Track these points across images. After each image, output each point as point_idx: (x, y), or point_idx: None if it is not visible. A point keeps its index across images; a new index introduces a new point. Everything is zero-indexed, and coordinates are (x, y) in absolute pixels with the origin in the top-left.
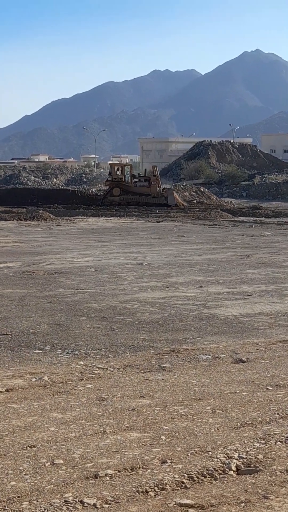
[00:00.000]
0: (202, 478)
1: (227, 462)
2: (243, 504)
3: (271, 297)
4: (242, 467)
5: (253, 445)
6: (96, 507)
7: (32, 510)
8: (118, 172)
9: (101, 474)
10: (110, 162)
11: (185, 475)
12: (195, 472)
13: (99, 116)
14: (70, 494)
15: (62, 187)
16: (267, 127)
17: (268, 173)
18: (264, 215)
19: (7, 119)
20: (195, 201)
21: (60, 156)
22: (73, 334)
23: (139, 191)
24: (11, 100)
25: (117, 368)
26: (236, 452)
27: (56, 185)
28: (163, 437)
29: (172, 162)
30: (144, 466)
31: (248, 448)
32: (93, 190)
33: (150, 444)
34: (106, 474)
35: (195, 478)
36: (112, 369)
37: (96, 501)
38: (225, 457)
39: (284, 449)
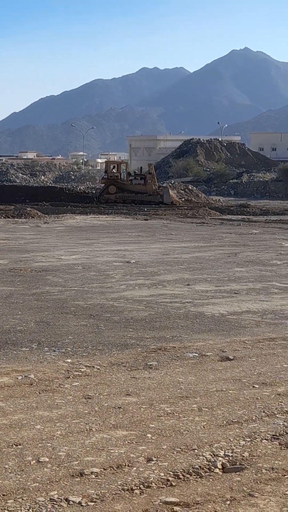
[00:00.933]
0: (188, 476)
1: (213, 460)
2: (228, 502)
3: (258, 295)
4: (228, 465)
5: (239, 443)
6: (82, 505)
7: (17, 508)
8: (113, 170)
9: (86, 472)
10: (106, 160)
11: (171, 473)
12: (181, 470)
13: (87, 114)
14: (56, 492)
15: (50, 185)
16: (256, 125)
17: (256, 171)
18: (252, 213)
19: None
20: (183, 199)
21: (49, 153)
22: (60, 332)
23: (135, 189)
24: None
25: (104, 366)
26: (222, 450)
27: (44, 182)
28: (149, 435)
29: (160, 160)
30: (129, 464)
31: (234, 446)
32: (81, 188)
33: (136, 442)
34: (92, 472)
35: (181, 476)
36: (98, 367)
37: (82, 499)
38: (211, 455)
39: (270, 447)
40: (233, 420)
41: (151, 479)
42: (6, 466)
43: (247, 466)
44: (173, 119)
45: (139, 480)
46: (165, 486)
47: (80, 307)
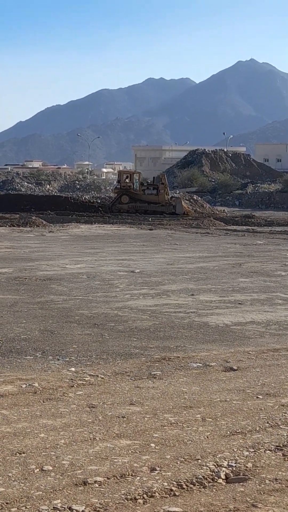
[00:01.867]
0: (191, 486)
1: (216, 470)
2: None
3: (263, 306)
4: (231, 475)
5: (243, 454)
6: None
7: None
8: (126, 180)
9: (90, 481)
10: (119, 169)
11: (174, 482)
12: (184, 480)
13: (93, 123)
14: (59, 500)
15: (55, 194)
16: (261, 136)
17: (261, 182)
18: (257, 224)
19: (1, 125)
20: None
21: (54, 162)
22: (64, 341)
23: (148, 199)
24: (6, 106)
25: (108, 375)
26: (226, 460)
27: (49, 191)
28: (152, 445)
29: (165, 170)
30: (133, 474)
31: (238, 456)
32: (86, 197)
33: (139, 452)
34: (95, 481)
35: (184, 486)
36: (102, 376)
37: (85, 508)
38: (215, 465)
39: (273, 457)
40: (237, 431)
41: (155, 489)
42: (10, 474)
43: (251, 477)
44: (179, 130)
45: (143, 490)
46: (168, 496)
47: (85, 316)
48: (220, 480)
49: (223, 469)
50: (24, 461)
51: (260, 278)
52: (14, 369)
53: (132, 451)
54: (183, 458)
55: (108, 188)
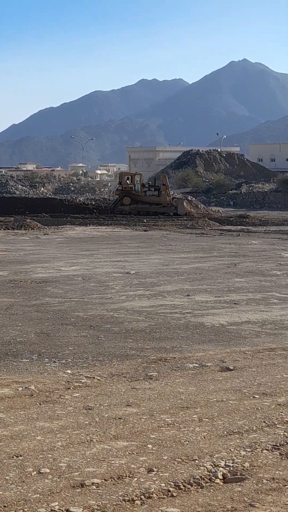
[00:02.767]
0: (189, 486)
1: (214, 471)
2: None
3: (258, 306)
4: (229, 475)
5: (240, 453)
6: None
7: None
8: (128, 181)
9: (87, 483)
10: (121, 171)
11: (172, 483)
12: (182, 481)
13: (86, 125)
14: (56, 503)
15: (50, 196)
16: (254, 136)
17: (255, 182)
18: (251, 224)
19: None
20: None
21: (48, 165)
22: (60, 343)
23: (149, 200)
24: None
25: (104, 377)
26: (223, 460)
27: (44, 194)
28: (149, 446)
29: (159, 171)
30: (130, 475)
31: (235, 456)
32: (81, 199)
33: (136, 453)
34: (93, 483)
35: (182, 487)
36: (99, 378)
37: (82, 510)
38: (212, 466)
39: (271, 457)
40: (234, 431)
41: (152, 490)
42: (7, 478)
43: (248, 477)
44: (172, 130)
45: (140, 491)
46: (166, 496)
47: (80, 318)
48: (217, 480)
49: (221, 469)
50: (21, 464)
51: (255, 278)
52: (10, 372)
53: (129, 453)
54: (180, 458)
55: (102, 189)
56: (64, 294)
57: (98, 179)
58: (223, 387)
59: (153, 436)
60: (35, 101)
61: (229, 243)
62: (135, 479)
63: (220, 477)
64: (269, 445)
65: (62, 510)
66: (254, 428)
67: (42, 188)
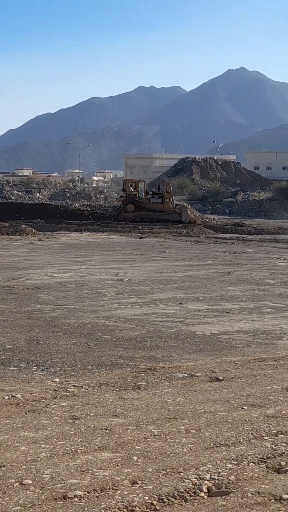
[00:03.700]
0: (173, 499)
1: (198, 484)
2: None
3: (251, 315)
4: (214, 488)
5: (226, 466)
6: None
7: None
8: (131, 188)
9: (70, 495)
10: (125, 178)
11: (155, 496)
12: (166, 494)
13: (83, 132)
14: None
15: (45, 202)
16: (251, 144)
17: (251, 190)
18: (247, 232)
19: None
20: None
21: (45, 170)
22: (50, 351)
23: (153, 207)
24: None
25: (92, 386)
26: (208, 473)
27: (39, 199)
28: (135, 457)
29: (156, 178)
30: (114, 487)
31: (220, 469)
32: (76, 205)
33: (121, 465)
34: (75, 495)
35: (165, 500)
36: (87, 387)
37: None
38: (197, 478)
39: (257, 470)
40: (221, 443)
41: (135, 503)
42: None
43: (233, 490)
44: (169, 138)
45: (123, 504)
46: (149, 510)
47: (71, 326)
48: (202, 494)
49: (205, 482)
50: (3, 475)
51: (249, 287)
52: None
53: (113, 464)
54: (165, 471)
55: (98, 196)
56: (56, 301)
57: (95, 185)
58: (212, 398)
59: (139, 447)
60: (33, 107)
61: (224, 251)
62: (119, 491)
63: (205, 490)
64: (256, 458)
65: None
66: (241, 440)
67: (38, 194)
